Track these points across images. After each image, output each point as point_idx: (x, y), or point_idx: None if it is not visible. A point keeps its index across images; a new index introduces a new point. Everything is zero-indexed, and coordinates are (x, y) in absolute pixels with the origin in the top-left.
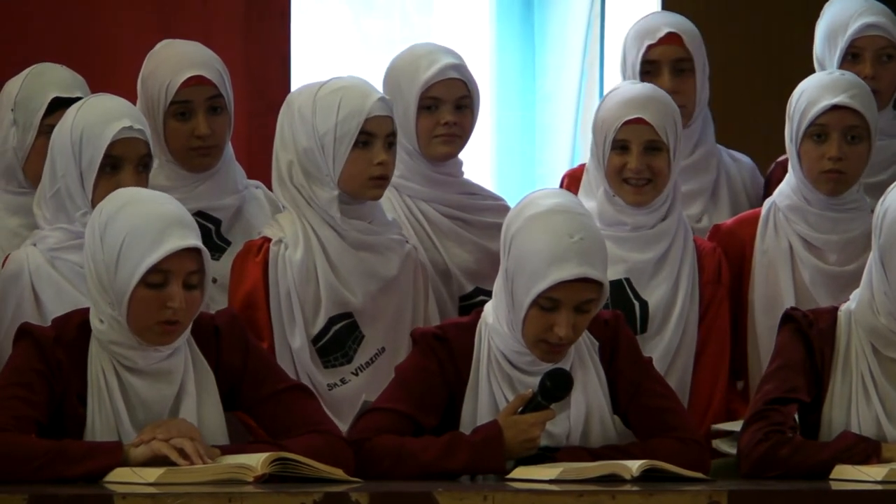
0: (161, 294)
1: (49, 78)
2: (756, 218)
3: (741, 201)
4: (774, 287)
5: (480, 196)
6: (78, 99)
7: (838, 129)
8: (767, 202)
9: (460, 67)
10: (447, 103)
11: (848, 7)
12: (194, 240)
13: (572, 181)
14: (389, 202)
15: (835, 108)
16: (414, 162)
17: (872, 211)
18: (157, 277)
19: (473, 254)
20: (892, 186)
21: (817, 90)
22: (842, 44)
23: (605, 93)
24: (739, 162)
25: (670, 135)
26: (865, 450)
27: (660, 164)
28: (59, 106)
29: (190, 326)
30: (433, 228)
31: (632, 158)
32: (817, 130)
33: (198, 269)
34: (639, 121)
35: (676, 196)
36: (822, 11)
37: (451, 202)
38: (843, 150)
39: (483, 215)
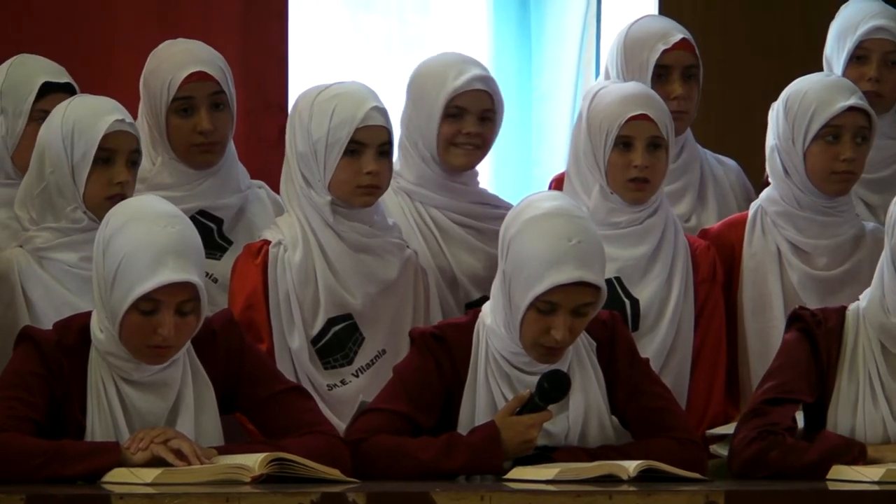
0: (151, 320)
1: (35, 65)
2: (743, 221)
3: (729, 202)
4: (763, 290)
5: (493, 206)
6: (68, 84)
7: (851, 129)
8: (754, 205)
9: (488, 80)
10: (471, 114)
11: (861, 9)
12: (188, 273)
13: (559, 186)
14: (400, 207)
15: (850, 109)
16: (428, 168)
17: (868, 205)
18: (147, 305)
19: (483, 261)
20: None
21: (826, 92)
22: (849, 44)
23: (592, 93)
24: (725, 165)
25: (669, 133)
26: (851, 451)
27: (660, 161)
28: (49, 91)
29: (186, 345)
30: (443, 235)
31: (637, 155)
32: (831, 132)
33: (192, 298)
34: (643, 117)
35: (661, 192)
36: (837, 12)
37: (463, 210)
38: (854, 150)
39: (495, 224)
